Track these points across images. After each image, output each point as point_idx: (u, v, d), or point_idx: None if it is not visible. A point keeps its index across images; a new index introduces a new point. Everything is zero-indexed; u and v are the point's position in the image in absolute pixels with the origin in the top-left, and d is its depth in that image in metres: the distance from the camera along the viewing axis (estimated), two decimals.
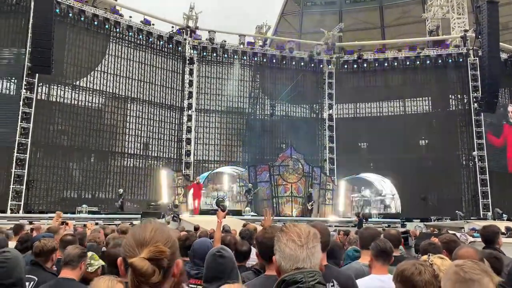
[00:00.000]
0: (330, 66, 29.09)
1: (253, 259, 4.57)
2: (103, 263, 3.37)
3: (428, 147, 28.26)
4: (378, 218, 22.75)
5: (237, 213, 20.06)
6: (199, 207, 19.75)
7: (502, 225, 14.27)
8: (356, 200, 25.13)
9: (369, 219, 21.44)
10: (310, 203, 22.46)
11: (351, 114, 29.45)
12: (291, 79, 28.20)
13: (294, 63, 28.44)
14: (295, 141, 26.67)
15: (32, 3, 20.49)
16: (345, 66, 29.07)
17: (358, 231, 5.73)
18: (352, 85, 29.05)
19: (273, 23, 37.06)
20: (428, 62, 27.77)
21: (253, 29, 29.92)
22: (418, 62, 27.93)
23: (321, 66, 29.06)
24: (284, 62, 28.27)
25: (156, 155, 25.45)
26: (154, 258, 1.36)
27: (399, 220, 21.13)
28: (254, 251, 4.63)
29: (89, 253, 3.57)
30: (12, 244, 5.10)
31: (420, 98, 28.63)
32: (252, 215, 20.30)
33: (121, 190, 21.16)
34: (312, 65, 28.90)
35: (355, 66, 28.87)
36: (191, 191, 21.07)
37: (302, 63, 28.67)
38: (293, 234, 1.75)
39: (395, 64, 28.22)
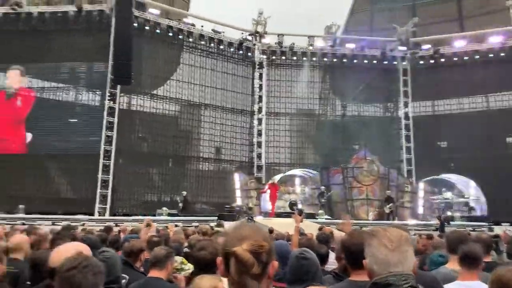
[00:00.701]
0: (404, 63, 27.92)
1: (331, 263, 4.51)
2: (192, 267, 3.49)
3: None
4: (462, 221, 21.39)
5: (310, 216, 19.90)
6: (274, 209, 19.63)
7: None
8: (437, 203, 23.80)
9: (452, 222, 20.24)
10: (389, 206, 21.65)
11: (429, 112, 27.98)
12: (363, 78, 27.45)
13: (365, 61, 27.67)
14: (369, 142, 25.87)
15: (113, 20, 22.00)
16: (421, 62, 27.73)
17: (445, 234, 5.42)
18: (429, 82, 27.56)
19: (343, 22, 36.34)
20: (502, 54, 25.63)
21: (322, 30, 29.58)
22: (502, 54, 25.90)
23: (395, 63, 27.99)
24: (355, 61, 27.60)
25: (228, 158, 26.07)
26: (254, 251, 1.43)
27: (485, 223, 19.71)
28: (332, 255, 4.55)
29: (179, 258, 3.72)
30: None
31: (506, 92, 26.49)
32: (326, 219, 20.06)
33: (184, 193, 21.83)
34: (385, 62, 27.91)
35: (431, 61, 27.43)
36: (267, 192, 21.04)
37: (375, 61, 27.79)
38: (384, 239, 1.74)
39: (476, 57, 26.39)
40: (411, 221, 22.08)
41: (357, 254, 2.24)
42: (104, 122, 21.68)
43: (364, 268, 1.79)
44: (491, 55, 26.11)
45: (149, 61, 24.13)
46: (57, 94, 22.82)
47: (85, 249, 2.21)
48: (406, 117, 27.53)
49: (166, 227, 10.60)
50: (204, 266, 2.89)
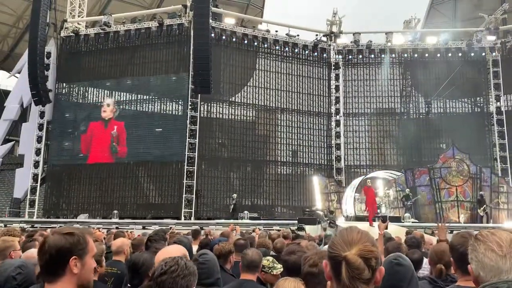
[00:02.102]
0: (494, 54, 25.83)
1: (424, 268, 4.28)
2: (281, 266, 3.52)
3: None
4: None
5: (396, 219, 19.10)
6: (372, 215, 18.12)
7: None
8: None
9: None
10: (482, 208, 20.09)
11: None
12: (448, 72, 25.83)
13: (450, 54, 26.07)
14: (457, 140, 24.21)
15: (192, 32, 23.00)
16: None
17: None
18: None
19: (423, 16, 34.61)
20: None
21: (401, 25, 28.39)
22: None
23: (483, 54, 26.01)
24: (438, 54, 26.11)
25: (306, 162, 25.90)
26: (363, 256, 1.43)
27: None
28: (425, 260, 4.31)
29: (270, 257, 3.77)
30: (193, 248, 5.68)
31: None
32: (412, 222, 19.12)
33: (234, 195, 21.77)
34: (472, 54, 26.05)
35: None
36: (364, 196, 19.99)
37: (460, 54, 26.08)
38: (492, 243, 1.62)
39: None
40: (509, 224, 20.26)
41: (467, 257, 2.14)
42: (187, 130, 22.68)
43: (471, 274, 1.67)
44: None
45: (227, 69, 24.86)
46: (143, 106, 24.34)
47: (183, 252, 2.29)
48: (499, 111, 25.42)
49: (254, 230, 10.77)
50: (293, 269, 2.89)
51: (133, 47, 24.39)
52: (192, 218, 21.57)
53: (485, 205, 20.21)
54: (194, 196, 22.21)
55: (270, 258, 3.73)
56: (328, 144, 26.35)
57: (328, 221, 16.70)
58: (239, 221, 18.47)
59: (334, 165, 25.97)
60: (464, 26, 29.97)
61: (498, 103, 25.50)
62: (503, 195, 21.97)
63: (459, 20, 33.77)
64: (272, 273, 3.60)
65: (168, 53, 24.17)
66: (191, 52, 22.79)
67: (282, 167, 25.79)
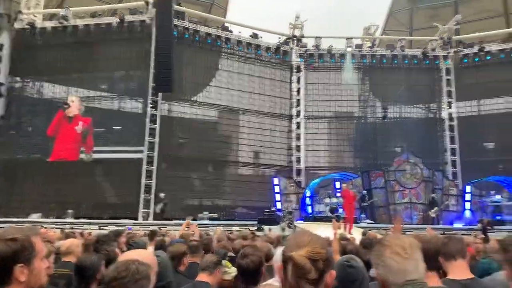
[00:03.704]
0: (447, 62, 27.03)
1: None
2: (235, 270, 3.54)
3: None
4: None
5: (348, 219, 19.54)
6: (352, 221, 16.34)
7: None
8: (485, 206, 22.80)
9: (503, 227, 19.35)
10: (434, 210, 20.97)
11: (474, 112, 26.90)
12: (404, 79, 26.82)
13: (406, 62, 27.05)
14: (411, 144, 25.22)
15: (154, 29, 22.64)
16: (465, 61, 26.76)
17: (501, 241, 5.19)
18: (474, 81, 26.52)
19: (381, 23, 35.68)
20: None
21: (360, 31, 29.16)
22: None
23: (437, 62, 27.16)
24: (395, 61, 27.03)
25: (267, 163, 26.10)
26: (311, 257, 1.47)
27: None
28: None
29: (224, 262, 3.78)
30: (148, 249, 5.60)
31: None
32: (368, 223, 19.67)
33: (162, 195, 21.38)
34: (427, 62, 27.16)
35: (476, 59, 26.43)
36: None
37: (415, 61, 27.11)
38: (397, 247, 1.71)
39: None
40: (458, 225, 21.29)
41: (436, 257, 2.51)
42: (147, 129, 22.29)
43: (377, 279, 1.75)
44: None
45: (189, 69, 24.61)
46: (102, 103, 23.70)
47: (146, 257, 2.21)
48: (450, 117, 26.60)
49: (214, 232, 10.70)
50: (248, 273, 2.90)
51: (92, 43, 23.66)
52: (150, 218, 21.21)
53: (436, 207, 21.11)
54: (152, 196, 21.84)
55: (225, 262, 3.75)
56: (289, 145, 26.65)
57: (287, 222, 16.93)
58: (197, 222, 18.33)
59: (294, 166, 26.29)
60: (420, 35, 31.15)
61: (450, 109, 26.67)
62: (453, 198, 23.04)
63: (415, 29, 35.09)
64: (224, 278, 3.61)
65: (129, 50, 23.64)
66: (153, 50, 22.41)
67: (243, 167, 25.86)
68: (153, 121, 22.55)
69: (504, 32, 29.03)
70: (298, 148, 26.46)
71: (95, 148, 22.86)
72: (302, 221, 20.91)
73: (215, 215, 21.01)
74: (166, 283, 2.97)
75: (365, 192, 22.29)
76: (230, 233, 10.01)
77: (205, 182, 24.47)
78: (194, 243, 4.86)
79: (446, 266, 2.94)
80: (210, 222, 19.01)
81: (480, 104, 26.85)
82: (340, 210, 21.65)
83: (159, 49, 21.51)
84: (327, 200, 22.13)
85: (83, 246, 4.81)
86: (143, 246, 5.40)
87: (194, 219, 19.08)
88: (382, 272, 1.70)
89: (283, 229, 16.38)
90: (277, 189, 24.20)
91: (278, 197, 23.98)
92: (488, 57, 26.09)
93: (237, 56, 25.88)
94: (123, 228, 13.28)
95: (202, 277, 3.49)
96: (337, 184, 24.32)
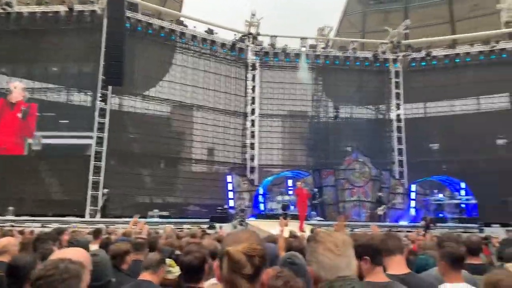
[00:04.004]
0: (396, 65, 28.05)
1: None
2: (179, 270, 3.46)
3: (508, 147, 26.23)
4: (453, 222, 21.52)
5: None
6: (303, 220, 15.80)
7: None
8: (429, 204, 23.91)
9: (444, 224, 20.37)
10: (381, 208, 21.73)
11: (421, 114, 28.13)
12: (356, 80, 27.58)
13: (358, 63, 27.81)
14: (361, 144, 26.00)
15: (105, 20, 21.87)
16: (413, 65, 27.89)
17: (437, 237, 5.42)
18: (421, 84, 27.76)
19: (335, 24, 36.47)
20: (504, 56, 25.88)
21: (315, 32, 29.65)
22: (493, 57, 26.12)
23: (387, 65, 28.13)
24: (348, 63, 27.72)
25: (221, 160, 26.00)
26: (248, 253, 1.46)
27: (476, 225, 19.83)
28: None
29: (168, 260, 3.69)
30: (92, 247, 5.39)
31: (497, 95, 26.72)
32: (318, 220, 20.07)
33: (105, 190, 20.83)
34: (377, 64, 28.07)
35: (423, 64, 27.60)
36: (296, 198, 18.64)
37: (367, 63, 27.94)
38: (330, 244, 1.73)
39: (468, 59, 26.60)
40: (402, 223, 22.19)
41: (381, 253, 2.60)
42: (95, 123, 21.53)
43: (313, 275, 1.76)
44: (482, 58, 26.28)
45: (141, 62, 23.99)
46: (48, 95, 22.63)
47: (79, 256, 2.11)
48: (398, 119, 27.66)
49: (164, 230, 10.48)
50: (191, 270, 2.84)
51: (38, 32, 22.48)
52: (98, 216, 20.51)
53: (383, 205, 21.88)
54: (100, 193, 21.14)
55: (169, 261, 3.67)
56: (243, 143, 26.67)
57: (239, 220, 16.94)
58: (147, 219, 17.95)
59: (248, 164, 26.35)
60: (371, 38, 32.11)
61: (398, 111, 27.71)
62: (399, 196, 23.98)
63: (367, 32, 36.15)
64: (167, 277, 3.54)
65: (78, 41, 22.67)
66: (103, 42, 21.66)
67: (196, 164, 25.60)
68: (102, 115, 21.80)
69: (449, 39, 30.51)
70: (252, 146, 26.53)
71: (42, 133, 21.72)
72: (254, 219, 20.99)
73: (166, 213, 20.65)
74: (105, 282, 2.85)
75: (316, 190, 22.72)
76: (181, 231, 9.86)
77: (157, 179, 23.98)
78: (139, 241, 4.73)
79: (385, 262, 3.02)
80: (161, 220, 18.67)
81: (426, 107, 28.09)
82: (292, 208, 21.98)
83: (110, 41, 20.81)
84: (280, 198, 22.38)
85: (21, 245, 4.53)
86: (85, 245, 5.17)
87: (144, 217, 18.66)
88: (315, 268, 1.72)
89: (234, 227, 16.38)
90: (230, 186, 24.18)
91: (231, 194, 23.96)
92: (434, 62, 27.32)
93: (192, 51, 25.55)
94: (67, 226, 12.73)
95: (145, 276, 3.39)
96: (290, 182, 24.68)
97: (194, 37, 25.29)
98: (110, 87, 21.96)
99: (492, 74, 26.19)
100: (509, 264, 2.81)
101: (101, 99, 21.87)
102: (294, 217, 17.02)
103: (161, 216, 19.83)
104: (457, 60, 26.75)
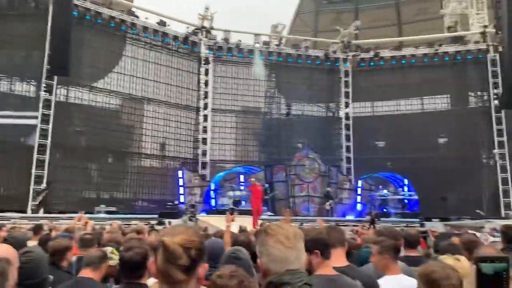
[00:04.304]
0: (346, 65, 28.82)
1: None
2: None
3: (447, 146, 27.78)
4: (396, 217, 22.51)
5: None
6: (256, 218, 15.58)
7: None
8: (374, 200, 24.87)
9: (388, 218, 21.26)
10: (329, 203, 22.33)
11: (368, 113, 29.12)
12: (307, 78, 28.08)
13: (309, 61, 28.30)
14: (311, 141, 26.57)
15: (51, 7, 20.84)
16: (362, 64, 28.75)
17: (378, 231, 5.65)
18: (369, 83, 28.72)
19: (288, 22, 36.91)
20: (446, 59, 27.29)
21: (268, 28, 29.87)
22: (436, 59, 27.46)
23: (337, 64, 28.83)
24: (300, 61, 28.14)
25: (172, 155, 25.62)
26: (184, 245, 1.44)
27: (417, 219, 20.84)
28: None
29: (109, 248, 3.62)
30: (31, 244, 5.16)
31: (439, 96, 28.18)
32: (269, 215, 20.29)
33: (44, 186, 20.13)
34: (328, 63, 28.70)
35: (371, 64, 28.54)
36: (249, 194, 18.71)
37: (318, 62, 28.49)
38: (281, 236, 1.73)
39: (413, 61, 27.80)
40: (349, 217, 22.92)
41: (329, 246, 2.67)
42: (39, 114, 20.53)
43: (260, 268, 1.77)
44: (426, 60, 27.55)
45: (89, 52, 23.11)
46: None
47: (4, 252, 2.03)
48: (347, 117, 28.46)
49: (111, 224, 10.21)
50: (131, 267, 2.78)
51: None
52: (41, 212, 19.62)
53: (330, 200, 22.50)
54: (44, 185, 20.21)
55: (110, 249, 3.60)
56: (195, 138, 26.40)
57: (189, 215, 16.81)
58: (94, 215, 17.40)
59: (200, 159, 26.13)
60: (323, 37, 32.81)
61: (347, 109, 28.52)
62: (346, 192, 24.76)
63: (319, 31, 36.90)
64: (109, 263, 3.47)
65: (22, 28, 21.41)
66: (49, 29, 20.65)
67: (146, 159, 25.06)
68: (47, 106, 20.81)
69: (396, 41, 31.76)
70: (204, 141, 26.31)
71: None
72: (205, 214, 20.92)
73: (113, 209, 20.10)
74: (40, 280, 2.74)
75: (267, 185, 22.98)
76: (128, 228, 9.64)
77: (104, 173, 23.23)
78: (86, 237, 4.60)
79: None
80: (108, 215, 18.15)
81: (374, 106, 29.10)
82: (243, 203, 22.12)
83: (56, 29, 19.83)
84: (231, 193, 22.43)
85: None
86: (23, 241, 4.95)
87: (90, 213, 18.07)
88: (265, 260, 1.72)
89: (185, 223, 16.22)
90: (181, 182, 23.91)
91: (181, 190, 23.71)
92: (382, 63, 28.32)
93: (143, 43, 24.93)
94: (6, 222, 12.09)
95: (86, 272, 3.30)
96: (242, 178, 24.80)
97: (145, 28, 24.70)
98: (55, 77, 20.98)
99: (435, 76, 27.60)
100: (443, 256, 2.98)
101: (45, 89, 20.86)
102: (244, 213, 17.16)
103: (108, 212, 19.27)
104: (403, 62, 27.85)
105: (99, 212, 19.17)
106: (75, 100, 22.61)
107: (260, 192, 17.22)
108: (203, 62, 26.84)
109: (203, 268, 1.49)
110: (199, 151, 26.13)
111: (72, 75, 20.76)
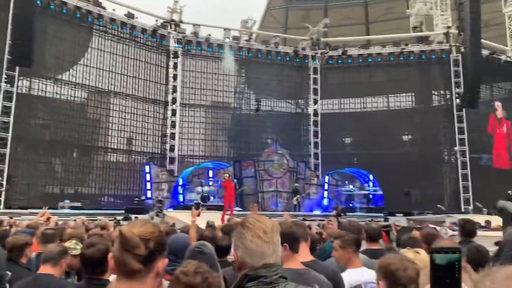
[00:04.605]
0: (315, 62, 29.12)
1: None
2: None
3: (411, 143, 28.61)
4: (361, 212, 23.02)
5: (221, 208, 20.03)
6: (226, 210, 15.99)
7: (482, 219, 14.56)
8: (340, 195, 25.34)
9: (353, 213, 21.70)
10: (296, 198, 22.59)
11: (336, 110, 29.56)
12: (277, 74, 28.21)
13: (279, 58, 28.40)
14: (280, 136, 26.75)
15: None
16: (330, 62, 29.11)
17: (341, 225, 5.81)
18: (337, 81, 29.15)
19: (259, 18, 36.94)
20: (411, 58, 28.00)
21: (239, 24, 29.78)
22: (401, 58, 28.14)
23: (306, 61, 29.09)
24: (270, 57, 28.20)
25: (139, 150, 25.21)
26: (143, 236, 1.42)
27: (382, 214, 21.38)
28: None
29: (73, 240, 3.57)
30: None
31: (404, 94, 28.93)
32: (237, 210, 20.30)
33: (5, 185, 19.44)
34: (298, 60, 28.89)
35: (340, 61, 28.94)
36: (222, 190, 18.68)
37: (288, 58, 28.64)
38: (259, 230, 1.73)
39: (379, 60, 28.36)
40: (316, 212, 23.28)
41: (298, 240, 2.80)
42: (0, 106, 19.75)
43: (235, 261, 1.78)
44: (392, 59, 28.19)
45: (54, 43, 22.37)
46: None
47: None
48: (315, 113, 28.79)
49: (75, 220, 9.98)
50: (93, 264, 2.73)
51: None
52: (1, 207, 18.94)
53: (298, 195, 22.76)
54: (4, 182, 19.51)
55: (74, 240, 3.54)
56: (163, 133, 26.06)
57: (156, 211, 16.63)
58: (57, 211, 16.95)
59: (168, 154, 25.83)
60: (293, 33, 33.01)
61: (315, 106, 28.87)
62: (314, 187, 25.11)
63: (289, 27, 37.11)
64: (72, 253, 3.41)
65: None
66: (10, 18, 19.85)
67: (112, 154, 24.55)
68: (8, 98, 20.04)
69: (364, 39, 32.34)
70: (172, 136, 26.00)
71: None
72: (172, 210, 20.73)
73: (78, 204, 19.63)
74: None
75: (235, 181, 22.99)
76: (92, 223, 9.45)
77: (69, 168, 22.63)
78: (48, 232, 4.49)
79: None
80: (72, 211, 17.72)
81: (341, 103, 29.57)
82: (212, 198, 22.07)
83: (18, 17, 19.09)
84: (199, 189, 22.31)
85: None
86: None
87: (54, 208, 17.59)
88: (241, 254, 1.71)
89: (151, 218, 16.03)
90: (148, 177, 23.60)
91: (148, 185, 23.41)
92: (349, 61, 28.75)
93: (110, 35, 24.33)
94: None
95: (46, 269, 3.22)
96: (210, 173, 24.73)
97: (112, 20, 24.12)
98: (17, 68, 20.22)
99: (401, 74, 28.36)
100: (404, 249, 3.09)
101: (6, 80, 20.08)
102: (213, 208, 17.13)
103: (72, 207, 18.80)
104: (370, 60, 28.37)
105: (63, 207, 18.68)
106: (39, 92, 21.86)
107: (233, 189, 17.10)
108: (171, 55, 26.48)
109: (162, 263, 1.48)
110: (167, 146, 25.82)
111: (35, 66, 20.08)
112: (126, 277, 1.41)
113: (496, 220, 13.32)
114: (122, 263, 1.40)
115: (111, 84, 24.24)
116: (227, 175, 18.02)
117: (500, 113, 28.53)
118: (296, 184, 23.63)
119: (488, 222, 13.46)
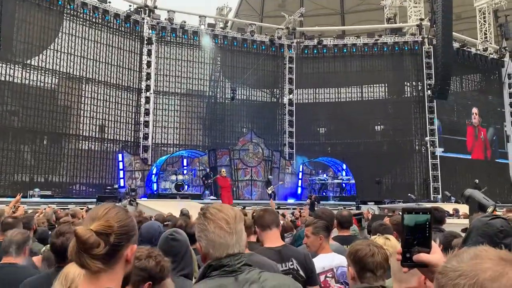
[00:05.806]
0: (290, 51, 29.15)
1: None
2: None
3: (383, 133, 29.14)
4: (335, 200, 23.39)
5: (196, 197, 20.04)
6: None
7: (450, 207, 15.03)
8: (314, 184, 25.65)
9: (327, 202, 22.03)
10: (270, 187, 22.74)
11: (311, 100, 29.75)
12: (252, 63, 28.12)
13: (255, 46, 28.29)
14: (255, 125, 26.79)
15: None
16: (306, 52, 29.19)
17: (314, 213, 5.91)
18: (312, 71, 29.30)
19: (235, 5, 36.61)
20: (385, 49, 28.40)
21: (214, 11, 29.47)
22: (375, 49, 28.50)
23: (282, 50, 29.08)
24: (245, 45, 28.06)
25: (112, 138, 24.77)
26: (101, 231, 1.34)
27: (354, 202, 21.79)
28: None
29: (47, 246, 3.48)
30: None
31: (377, 85, 29.34)
32: (211, 199, 20.32)
33: None
34: (273, 49, 28.85)
35: (315, 51, 29.07)
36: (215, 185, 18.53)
37: (263, 47, 28.57)
38: (221, 221, 1.70)
39: (354, 50, 28.65)
40: (290, 200, 23.53)
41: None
42: None
43: (200, 250, 1.76)
44: (366, 49, 28.52)
45: (22, 27, 21.63)
46: None
47: None
48: (290, 103, 28.92)
49: (45, 209, 9.76)
50: (60, 252, 2.69)
51: None
52: None
53: (272, 185, 22.93)
54: None
55: (48, 247, 3.48)
56: (136, 120, 25.66)
57: (129, 199, 16.45)
58: (27, 199, 16.56)
59: (141, 142, 25.49)
60: (269, 22, 32.91)
61: (291, 95, 28.98)
62: (288, 176, 25.32)
63: (265, 16, 36.95)
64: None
65: None
66: None
67: (84, 142, 24.04)
68: None
69: (339, 29, 32.53)
70: (146, 123, 25.63)
71: None
72: (145, 199, 20.55)
73: (49, 192, 19.22)
74: None
75: (208, 169, 22.99)
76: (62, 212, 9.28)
77: (39, 156, 22.08)
78: (9, 220, 4.33)
79: (262, 236, 3.22)
80: (43, 200, 17.34)
81: (316, 93, 29.77)
82: (186, 187, 21.98)
83: None
84: (173, 178, 22.16)
85: None
86: None
87: (24, 197, 17.16)
88: (205, 245, 1.69)
89: (124, 207, 15.88)
90: (121, 165, 23.28)
91: (121, 174, 23.10)
92: (325, 50, 28.93)
93: (82, 20, 23.68)
94: None
95: (8, 259, 3.15)
96: (185, 162, 24.57)
97: (84, 4, 23.45)
98: None
99: (374, 65, 28.74)
100: (374, 236, 3.18)
101: None
102: (186, 197, 17.05)
103: (42, 196, 18.40)
104: (345, 50, 28.63)
105: (32, 196, 18.24)
106: (7, 77, 21.14)
107: (230, 185, 16.90)
108: (145, 42, 26.00)
109: (131, 250, 1.41)
110: (141, 134, 25.47)
111: (2, 51, 19.43)
112: (91, 273, 1.36)
113: (464, 208, 13.77)
114: (81, 265, 1.34)
115: (83, 70, 23.64)
116: (224, 170, 17.67)
117: (477, 121, 29.20)
118: (270, 177, 23.77)
119: (456, 210, 13.89)
